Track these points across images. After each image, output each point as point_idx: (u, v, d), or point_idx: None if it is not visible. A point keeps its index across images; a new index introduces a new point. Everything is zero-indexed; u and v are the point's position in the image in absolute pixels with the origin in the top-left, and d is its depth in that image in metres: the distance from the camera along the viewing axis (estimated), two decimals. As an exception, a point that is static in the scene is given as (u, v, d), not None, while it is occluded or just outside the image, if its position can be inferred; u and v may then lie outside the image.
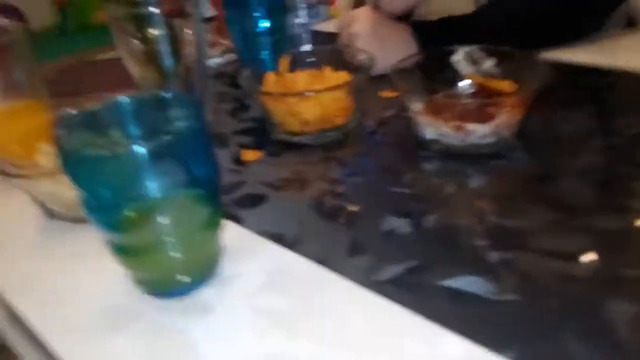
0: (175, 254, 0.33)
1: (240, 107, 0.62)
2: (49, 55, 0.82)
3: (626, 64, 0.59)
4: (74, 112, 0.33)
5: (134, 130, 0.34)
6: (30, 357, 0.38)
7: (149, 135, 0.34)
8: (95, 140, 0.33)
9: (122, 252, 0.33)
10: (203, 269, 0.35)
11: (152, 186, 0.30)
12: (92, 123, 0.33)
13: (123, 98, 0.34)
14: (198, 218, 0.33)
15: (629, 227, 0.36)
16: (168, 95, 0.34)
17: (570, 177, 0.42)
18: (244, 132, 0.56)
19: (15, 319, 0.37)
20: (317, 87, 0.52)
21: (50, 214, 0.44)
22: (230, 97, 0.65)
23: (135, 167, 0.29)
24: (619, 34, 0.68)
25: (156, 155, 0.29)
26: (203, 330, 0.32)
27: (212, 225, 0.34)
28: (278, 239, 0.39)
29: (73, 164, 0.30)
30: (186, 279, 0.34)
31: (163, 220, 0.32)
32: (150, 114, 0.34)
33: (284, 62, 0.53)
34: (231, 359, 0.30)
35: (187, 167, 0.32)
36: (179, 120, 0.32)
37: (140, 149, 0.29)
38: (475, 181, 0.43)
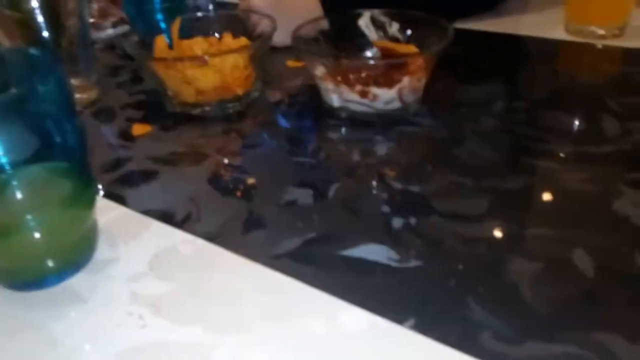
0: (36, 236, 0.28)
1: (133, 79, 0.56)
2: None
3: (529, 32, 0.60)
4: None
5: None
6: None
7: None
8: None
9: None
10: (73, 254, 0.30)
11: (1, 155, 0.25)
12: None
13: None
14: (62, 193, 0.29)
15: (529, 187, 0.35)
16: (16, 52, 0.29)
17: (474, 140, 0.41)
18: (135, 105, 0.50)
19: None
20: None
21: None
22: (122, 69, 0.59)
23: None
24: (523, 3, 0.69)
25: (1, 114, 0.24)
26: (72, 324, 0.27)
27: (81, 202, 0.30)
28: (166, 218, 0.35)
29: None
30: (52, 265, 0.29)
31: (17, 195, 0.27)
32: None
33: (175, 25, 0.49)
34: (106, 356, 0.26)
35: (45, 133, 0.27)
36: (33, 79, 0.27)
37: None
38: (381, 148, 0.41)
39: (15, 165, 0.26)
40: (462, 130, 0.42)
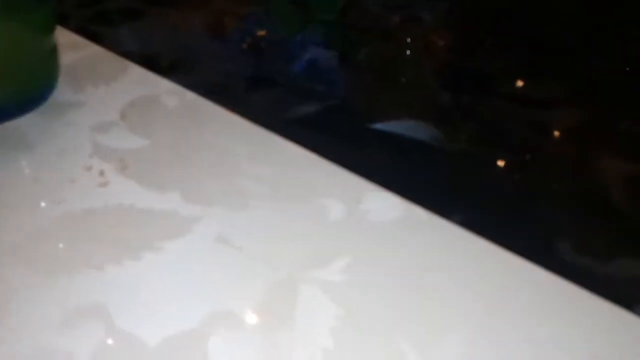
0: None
1: None
2: None
3: None
4: None
5: None
6: None
7: None
8: None
9: None
10: (20, 85, 0.23)
11: None
12: None
13: None
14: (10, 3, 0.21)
15: (617, 73, 0.28)
16: None
17: (551, 16, 0.32)
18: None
19: None
20: None
21: None
22: None
23: None
24: None
25: None
26: (11, 173, 0.21)
27: (34, 17, 0.22)
28: (150, 63, 0.27)
29: None
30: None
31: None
32: None
33: None
34: (51, 216, 0.19)
35: None
36: None
37: None
38: (430, 14, 0.33)
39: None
40: (535, 3, 0.33)
